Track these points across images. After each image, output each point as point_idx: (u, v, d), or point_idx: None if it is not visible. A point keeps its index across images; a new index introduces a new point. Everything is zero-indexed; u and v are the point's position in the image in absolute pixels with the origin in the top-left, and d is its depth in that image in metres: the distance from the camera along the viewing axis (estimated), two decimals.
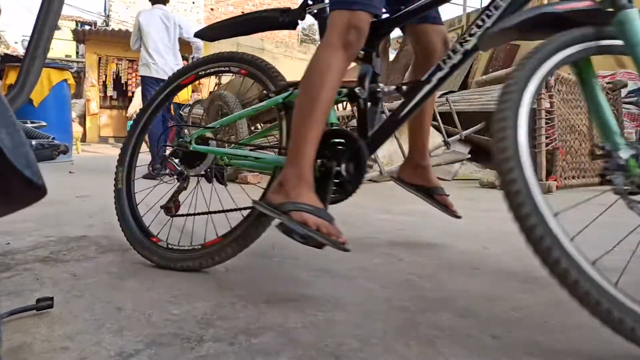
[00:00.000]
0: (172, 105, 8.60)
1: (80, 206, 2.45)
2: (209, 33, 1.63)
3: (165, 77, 4.88)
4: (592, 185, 4.28)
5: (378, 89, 1.29)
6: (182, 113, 7.45)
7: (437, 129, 5.14)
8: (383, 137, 1.23)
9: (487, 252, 1.59)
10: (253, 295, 1.10)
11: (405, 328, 0.93)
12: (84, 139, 12.15)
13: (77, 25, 21.17)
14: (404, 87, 1.25)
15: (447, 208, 1.67)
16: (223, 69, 1.48)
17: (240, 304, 1.04)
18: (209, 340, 0.85)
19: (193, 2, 16.85)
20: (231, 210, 1.43)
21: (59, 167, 4.94)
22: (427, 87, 1.17)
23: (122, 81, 14.27)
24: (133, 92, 11.73)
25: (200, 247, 1.30)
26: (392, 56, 8.65)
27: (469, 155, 5.17)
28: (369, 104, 1.27)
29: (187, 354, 0.80)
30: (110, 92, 14.45)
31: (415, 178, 1.68)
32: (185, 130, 1.43)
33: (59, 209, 2.27)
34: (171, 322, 0.93)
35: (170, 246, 1.35)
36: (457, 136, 5.11)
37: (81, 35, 14.61)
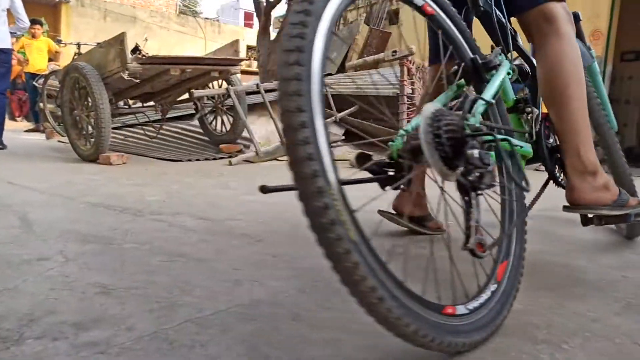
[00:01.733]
0: (24, 75, 7.61)
1: None
2: None
3: None
4: None
5: None
6: (36, 84, 6.62)
7: None
8: None
9: None
10: (91, 286, 1.04)
11: (249, 306, 0.95)
12: None
13: None
14: None
15: (439, 229, 1.60)
16: None
17: (76, 295, 0.97)
18: (30, 337, 0.79)
19: None
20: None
21: None
22: None
23: None
24: None
25: (495, 285, 0.89)
26: (273, 35, 8.62)
27: (343, 137, 5.41)
28: None
29: (1, 354, 0.73)
30: None
31: (415, 209, 1.57)
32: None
33: None
34: None
35: (474, 305, 0.82)
36: (332, 118, 5.32)
37: None
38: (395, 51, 3.85)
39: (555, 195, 1.32)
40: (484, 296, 0.85)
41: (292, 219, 1.83)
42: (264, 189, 0.81)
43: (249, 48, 15.00)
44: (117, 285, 1.04)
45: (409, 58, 3.93)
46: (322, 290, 1.07)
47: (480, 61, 1.04)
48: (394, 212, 1.58)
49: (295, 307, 0.96)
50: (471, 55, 1.04)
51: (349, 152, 5.35)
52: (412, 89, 4.09)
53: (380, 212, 1.60)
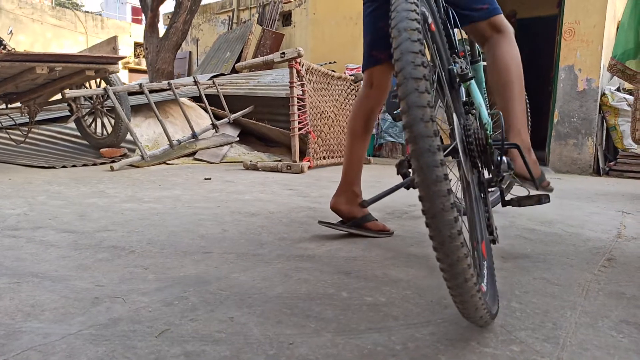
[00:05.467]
0: None
1: None
2: None
3: None
4: (341, 165, 4.93)
5: None
6: None
7: (206, 111, 5.14)
8: None
9: (225, 234, 1.66)
10: None
11: (104, 326, 0.88)
12: None
13: None
14: None
15: (382, 231, 1.69)
16: None
17: None
18: None
19: None
20: None
21: None
22: None
23: None
24: None
25: (485, 262, 0.98)
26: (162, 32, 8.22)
27: (238, 138, 5.33)
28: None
29: None
30: None
31: (354, 209, 1.67)
32: None
33: None
34: None
35: (485, 282, 0.93)
36: (226, 119, 5.22)
37: None
38: (283, 53, 3.88)
39: None
40: (485, 273, 0.95)
41: (171, 226, 1.75)
42: (364, 204, 0.95)
43: (138, 45, 14.16)
44: None
45: (298, 60, 3.99)
46: (190, 301, 1.03)
47: (457, 72, 1.12)
48: (331, 222, 1.69)
49: (158, 322, 0.91)
50: (449, 66, 1.12)
51: (244, 153, 5.29)
52: (303, 91, 4.16)
53: (320, 222, 1.71)
